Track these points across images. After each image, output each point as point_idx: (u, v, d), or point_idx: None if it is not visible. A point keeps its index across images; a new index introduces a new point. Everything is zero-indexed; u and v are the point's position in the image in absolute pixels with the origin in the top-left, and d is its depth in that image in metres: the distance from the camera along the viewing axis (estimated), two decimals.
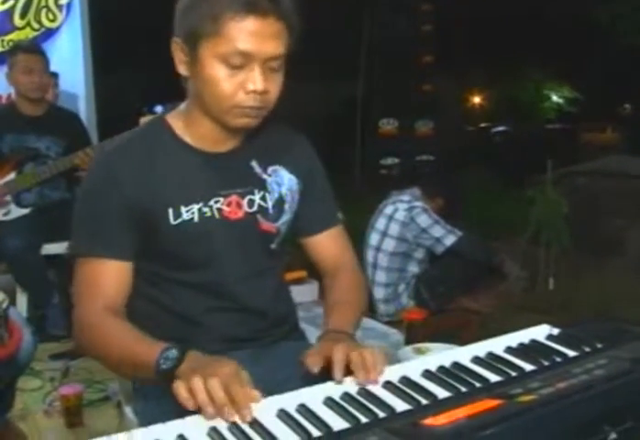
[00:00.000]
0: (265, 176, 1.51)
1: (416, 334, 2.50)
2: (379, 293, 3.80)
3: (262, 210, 1.50)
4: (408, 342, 2.50)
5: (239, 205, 1.47)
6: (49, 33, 4.59)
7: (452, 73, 12.58)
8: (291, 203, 1.54)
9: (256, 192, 1.49)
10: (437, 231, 3.72)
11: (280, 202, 1.52)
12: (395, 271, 3.80)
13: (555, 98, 19.83)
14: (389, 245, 3.79)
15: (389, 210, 3.83)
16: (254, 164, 1.51)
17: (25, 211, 3.35)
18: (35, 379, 3.00)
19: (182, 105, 1.49)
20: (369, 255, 3.86)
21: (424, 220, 3.73)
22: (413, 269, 3.84)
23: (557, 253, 5.14)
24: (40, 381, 3.00)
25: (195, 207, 1.43)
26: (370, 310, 3.76)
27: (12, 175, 3.31)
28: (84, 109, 4.68)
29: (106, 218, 1.40)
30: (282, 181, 1.53)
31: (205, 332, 1.49)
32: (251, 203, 1.49)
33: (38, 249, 3.30)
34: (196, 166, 1.46)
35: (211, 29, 1.31)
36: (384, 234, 3.81)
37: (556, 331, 1.39)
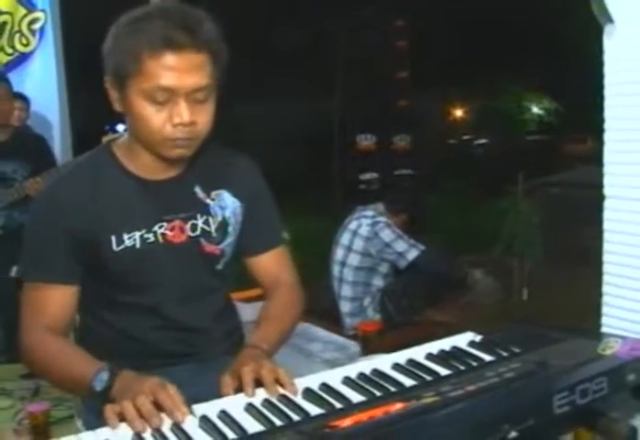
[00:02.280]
0: (208, 200, 1.57)
1: (371, 345, 2.55)
2: (345, 307, 3.88)
3: (205, 233, 1.56)
4: (364, 354, 2.56)
5: (182, 230, 1.54)
6: (23, 57, 4.65)
7: (429, 88, 12.72)
8: (234, 226, 1.61)
9: (199, 216, 1.55)
10: (400, 246, 3.80)
11: (223, 225, 1.58)
12: (360, 285, 3.88)
13: (535, 109, 20.01)
14: (354, 259, 3.87)
15: (353, 225, 3.91)
16: (197, 190, 1.56)
17: None
18: (6, 398, 3.05)
19: (125, 135, 1.55)
20: (335, 270, 3.94)
21: (387, 235, 3.81)
22: (378, 283, 3.92)
23: (530, 264, 5.23)
24: (11, 400, 3.03)
25: (137, 234, 1.50)
26: (337, 324, 3.84)
27: None
28: (58, 132, 4.74)
29: (50, 245, 1.47)
30: (226, 204, 1.59)
31: (148, 349, 1.57)
32: (194, 227, 1.55)
33: (8, 271, 3.35)
34: (139, 194, 1.52)
35: (133, 68, 1.35)
36: (349, 249, 3.89)
37: (478, 338, 1.47)
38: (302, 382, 1.27)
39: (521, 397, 1.16)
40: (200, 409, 1.18)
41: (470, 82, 15.13)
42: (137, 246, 1.50)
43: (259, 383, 1.27)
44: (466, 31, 13.58)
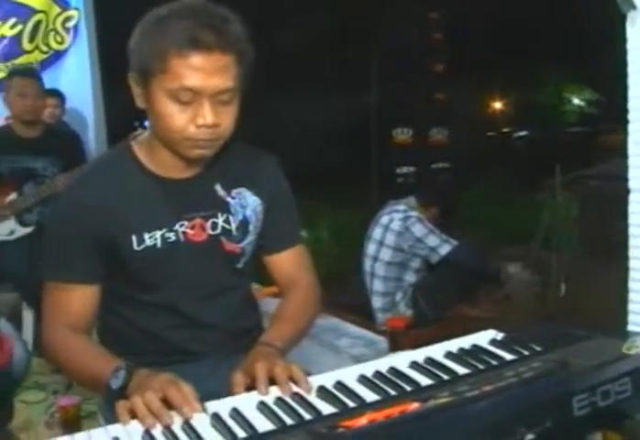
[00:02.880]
0: (229, 199, 1.56)
1: (400, 341, 2.54)
2: (376, 302, 3.86)
3: (226, 232, 1.56)
4: (392, 350, 2.55)
5: (203, 228, 1.53)
6: (58, 55, 4.71)
7: (467, 80, 12.58)
8: (255, 224, 1.60)
9: (219, 214, 1.55)
10: (432, 240, 3.77)
11: (244, 223, 1.58)
12: (392, 280, 3.85)
13: (576, 101, 19.71)
14: (385, 254, 3.85)
15: (384, 220, 3.89)
16: (218, 188, 1.56)
17: (28, 230, 3.46)
18: (39, 391, 3.10)
19: (146, 133, 1.55)
20: (367, 264, 3.92)
21: (418, 230, 3.78)
22: (410, 278, 3.89)
23: (568, 258, 5.14)
24: (44, 394, 3.09)
25: (158, 233, 1.49)
26: (369, 318, 3.81)
27: (13, 195, 3.43)
28: (93, 128, 4.80)
29: (71, 245, 1.48)
30: (247, 202, 1.58)
31: (166, 346, 1.57)
32: (214, 225, 1.54)
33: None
34: (160, 193, 1.51)
35: (158, 66, 1.34)
36: (381, 243, 3.86)
37: (500, 336, 1.44)
38: (316, 380, 1.26)
39: (539, 398, 1.13)
40: (212, 406, 1.17)
41: (510, 73, 14.94)
42: (159, 245, 1.49)
43: (272, 381, 1.25)
44: (504, 22, 13.41)
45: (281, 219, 1.65)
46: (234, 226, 1.56)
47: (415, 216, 3.82)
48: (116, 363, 1.34)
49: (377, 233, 3.90)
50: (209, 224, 1.54)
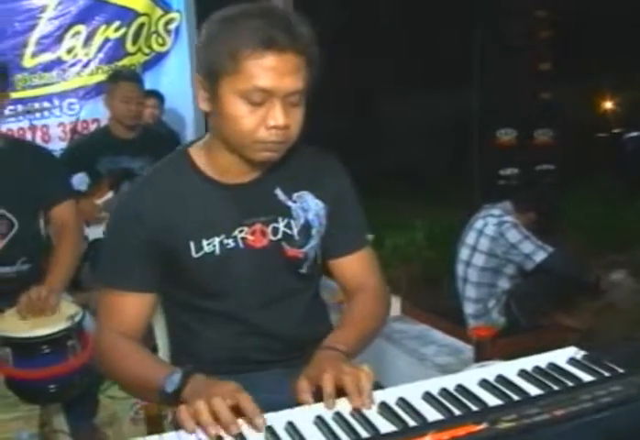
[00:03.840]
0: (290, 203, 1.53)
1: (485, 351, 2.46)
2: (468, 308, 3.75)
3: (287, 237, 1.52)
4: (478, 359, 2.47)
5: (264, 233, 1.50)
6: (159, 57, 4.84)
7: (575, 79, 12.16)
8: (318, 228, 1.56)
9: (280, 219, 1.52)
10: (527, 247, 3.63)
11: (306, 228, 1.54)
12: (485, 286, 3.73)
13: None
14: (478, 260, 3.73)
15: (479, 224, 3.77)
16: (278, 192, 1.53)
17: None
18: None
19: (205, 138, 1.53)
20: (460, 269, 3.82)
21: (513, 235, 3.65)
22: (504, 284, 3.76)
23: None
24: None
25: (217, 240, 1.47)
26: (461, 325, 3.71)
27: (110, 194, 3.52)
28: (192, 127, 4.91)
29: (127, 252, 1.48)
30: (309, 206, 1.55)
31: (230, 355, 1.55)
32: (275, 230, 1.51)
33: None
34: (218, 199, 1.49)
35: (230, 67, 1.33)
36: (474, 248, 3.76)
37: (580, 354, 1.35)
38: (380, 395, 1.21)
39: (615, 426, 1.06)
40: (268, 419, 1.15)
41: (622, 72, 14.35)
42: (217, 252, 1.48)
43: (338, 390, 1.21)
44: (615, 19, 12.88)
45: (346, 222, 1.61)
46: (295, 231, 1.53)
47: (510, 221, 3.69)
48: (170, 368, 1.34)
49: (470, 237, 3.80)
50: (270, 229, 1.51)
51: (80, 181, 3.90)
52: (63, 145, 4.40)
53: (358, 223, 1.64)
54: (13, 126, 4.56)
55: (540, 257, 3.61)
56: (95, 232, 3.49)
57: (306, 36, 1.36)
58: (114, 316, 1.48)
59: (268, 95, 1.34)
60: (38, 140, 4.60)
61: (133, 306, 1.48)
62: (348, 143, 7.98)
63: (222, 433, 1.11)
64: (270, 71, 1.32)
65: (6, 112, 4.50)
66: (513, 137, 10.69)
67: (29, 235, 2.51)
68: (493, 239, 3.69)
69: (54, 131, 4.68)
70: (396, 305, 3.34)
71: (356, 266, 1.61)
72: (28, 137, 4.55)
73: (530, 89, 10.70)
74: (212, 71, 1.37)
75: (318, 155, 1.62)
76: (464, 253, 3.82)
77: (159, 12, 4.76)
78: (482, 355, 2.45)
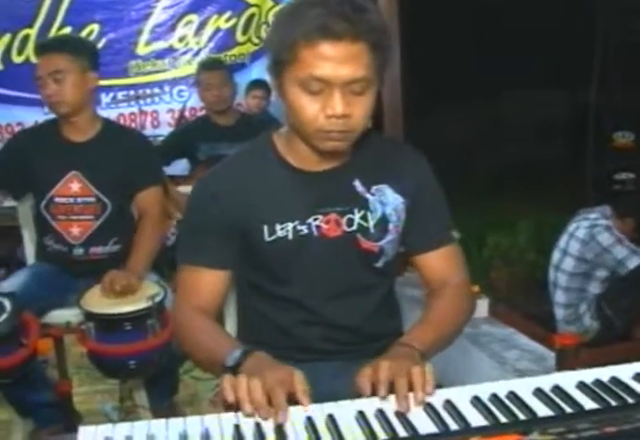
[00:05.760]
0: (368, 195, 1.52)
1: (568, 360, 2.37)
2: (559, 314, 3.63)
3: (362, 229, 1.51)
4: (559, 368, 2.39)
5: (338, 223, 1.50)
6: None
7: None
8: (396, 223, 1.54)
9: (356, 211, 1.51)
10: (620, 251, 3.45)
11: (383, 221, 1.53)
12: (574, 291, 3.58)
13: None
14: (568, 264, 3.59)
15: (571, 227, 3.63)
16: (357, 183, 1.52)
17: None
18: None
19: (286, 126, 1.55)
20: (550, 273, 3.70)
21: (605, 238, 3.48)
22: (595, 289, 3.60)
23: None
24: None
25: (290, 225, 1.48)
26: (552, 330, 3.59)
27: None
28: None
29: (203, 232, 1.52)
30: (387, 200, 1.53)
31: (295, 342, 1.57)
32: (350, 221, 1.51)
33: None
34: (296, 185, 1.50)
35: (288, 56, 1.33)
36: (564, 252, 3.61)
37: None
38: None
39: None
40: (311, 409, 1.15)
41: None
42: (290, 237, 1.49)
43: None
44: None
45: (429, 217, 1.58)
46: (371, 224, 1.51)
47: (604, 225, 3.52)
48: (236, 344, 1.37)
49: (562, 241, 3.66)
50: (345, 219, 1.50)
51: (182, 167, 4.04)
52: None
53: (441, 219, 1.61)
54: (125, 110, 4.76)
55: (634, 263, 3.41)
56: None
57: (370, 22, 1.32)
58: (190, 292, 1.52)
59: (326, 84, 1.33)
60: (148, 125, 4.78)
61: (208, 282, 1.51)
62: (465, 142, 7.96)
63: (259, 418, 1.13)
64: (326, 60, 1.31)
65: (119, 97, 4.73)
66: (631, 141, 10.27)
67: (121, 217, 2.62)
68: (584, 243, 3.53)
69: (163, 117, 4.85)
70: (484, 306, 3.26)
71: (438, 263, 1.58)
72: (139, 121, 4.72)
73: None
74: (275, 61, 1.38)
75: (400, 148, 1.62)
76: (555, 257, 3.69)
77: (269, 3, 4.84)
78: (565, 364, 2.36)
